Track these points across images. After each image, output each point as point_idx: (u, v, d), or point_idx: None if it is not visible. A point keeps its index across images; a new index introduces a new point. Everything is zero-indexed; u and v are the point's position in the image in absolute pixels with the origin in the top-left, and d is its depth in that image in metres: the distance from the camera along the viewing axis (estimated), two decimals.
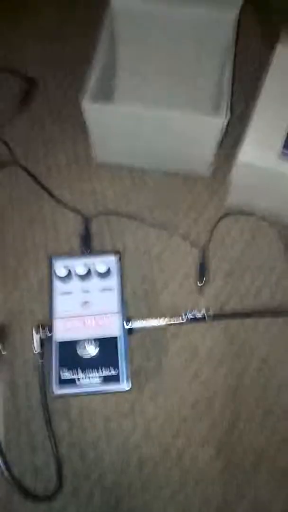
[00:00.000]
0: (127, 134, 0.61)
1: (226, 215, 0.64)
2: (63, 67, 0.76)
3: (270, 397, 0.55)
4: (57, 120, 0.72)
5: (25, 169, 0.66)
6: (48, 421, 0.52)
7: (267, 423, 0.54)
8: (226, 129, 0.57)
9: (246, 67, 0.73)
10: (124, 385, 0.50)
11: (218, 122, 0.55)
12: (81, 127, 0.68)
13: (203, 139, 0.59)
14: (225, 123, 0.55)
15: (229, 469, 0.51)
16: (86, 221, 0.61)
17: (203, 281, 0.60)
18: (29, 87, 0.73)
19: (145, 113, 0.56)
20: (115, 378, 0.50)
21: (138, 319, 0.54)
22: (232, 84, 0.59)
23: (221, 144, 0.62)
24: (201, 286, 0.59)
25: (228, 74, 0.58)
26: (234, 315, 0.57)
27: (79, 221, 0.63)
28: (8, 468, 0.47)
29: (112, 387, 0.50)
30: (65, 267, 0.54)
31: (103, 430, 0.53)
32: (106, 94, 0.66)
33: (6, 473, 0.47)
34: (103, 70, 0.60)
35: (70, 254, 0.61)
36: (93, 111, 0.57)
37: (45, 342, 0.52)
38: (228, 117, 0.54)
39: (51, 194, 0.64)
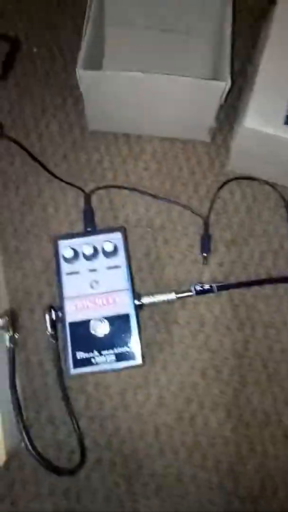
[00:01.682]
0: (123, 101, 0.57)
1: (227, 181, 0.63)
2: (47, 27, 0.70)
3: (275, 361, 0.57)
4: (45, 85, 0.67)
5: (17, 142, 0.62)
6: (66, 398, 0.53)
7: (273, 384, 0.56)
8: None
9: (245, 19, 0.68)
10: (138, 361, 0.51)
11: (220, 86, 0.52)
12: (71, 92, 0.64)
13: (204, 104, 0.56)
14: (228, 87, 0.52)
15: (239, 429, 0.55)
16: (87, 197, 0.59)
17: (207, 251, 0.60)
18: (12, 49, 0.66)
19: (145, 79, 0.52)
20: (129, 355, 0.51)
21: (146, 293, 0.55)
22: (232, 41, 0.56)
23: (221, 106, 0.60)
24: (205, 256, 0.59)
25: (228, 31, 0.55)
26: (240, 284, 0.58)
27: (78, 195, 0.61)
28: (33, 444, 0.49)
29: (126, 363, 0.51)
30: (71, 247, 0.53)
31: (119, 402, 0.55)
32: (95, 61, 0.61)
33: (31, 451, 0.49)
34: (93, 36, 0.55)
35: (72, 231, 0.59)
36: (89, 78, 0.53)
37: (57, 323, 0.52)
38: (229, 81, 0.52)
39: (46, 169, 0.61)
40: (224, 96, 0.54)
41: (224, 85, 0.52)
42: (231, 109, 0.66)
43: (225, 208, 0.63)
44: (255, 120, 0.52)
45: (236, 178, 0.63)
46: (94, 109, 0.60)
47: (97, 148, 0.64)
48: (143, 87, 0.54)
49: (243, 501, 0.53)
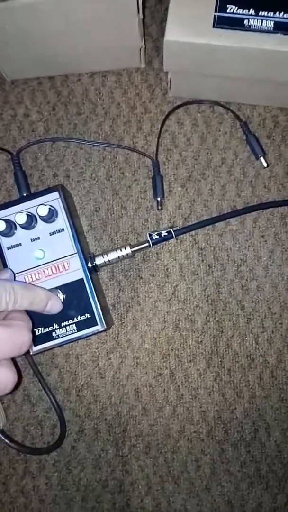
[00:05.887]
0: (32, 37, 0.49)
1: (172, 110, 0.55)
2: None
3: (252, 300, 0.53)
4: None
5: None
6: (38, 374, 0.51)
7: (252, 323, 0.53)
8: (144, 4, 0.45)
9: None
10: (100, 326, 0.47)
11: None
12: None
13: (121, 20, 0.47)
14: None
15: (222, 377, 0.52)
16: (16, 158, 0.53)
17: (161, 195, 0.54)
18: None
19: (43, 4, 0.44)
20: (90, 321, 0.47)
21: (101, 252, 0.50)
22: None
23: (147, 24, 0.51)
24: (159, 200, 0.54)
25: None
26: (201, 223, 0.52)
27: (9, 157, 0.55)
28: (9, 438, 0.45)
29: (89, 331, 0.47)
30: (4, 218, 0.48)
31: (93, 369, 0.52)
32: None
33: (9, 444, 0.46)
34: None
35: (10, 199, 0.54)
36: None
37: None
38: None
39: None
40: (139, 7, 0.45)
41: None
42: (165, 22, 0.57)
43: (175, 142, 0.55)
44: (177, 29, 0.44)
45: (182, 105, 0.55)
46: (3, 54, 0.52)
47: (21, 100, 0.56)
48: (46, 15, 0.46)
49: (236, 447, 0.51)
